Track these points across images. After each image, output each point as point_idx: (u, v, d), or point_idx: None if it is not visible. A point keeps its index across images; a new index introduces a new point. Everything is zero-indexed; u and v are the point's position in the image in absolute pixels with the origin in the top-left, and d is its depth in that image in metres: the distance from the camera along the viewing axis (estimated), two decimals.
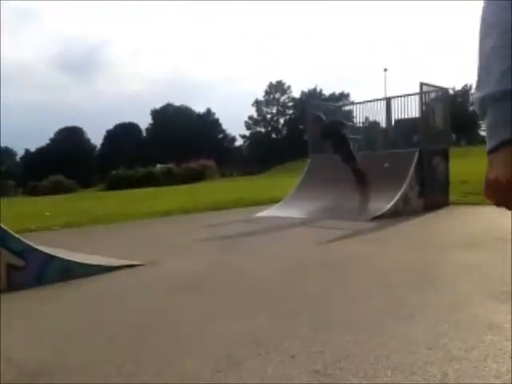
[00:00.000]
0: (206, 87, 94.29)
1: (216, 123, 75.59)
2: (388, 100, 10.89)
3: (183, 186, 27.07)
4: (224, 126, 76.24)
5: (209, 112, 76.56)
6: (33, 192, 41.81)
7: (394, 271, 4.35)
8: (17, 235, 4.71)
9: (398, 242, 6.02)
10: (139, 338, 2.93)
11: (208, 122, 73.72)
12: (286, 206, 10.07)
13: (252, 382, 2.23)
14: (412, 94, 10.18)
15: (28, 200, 25.43)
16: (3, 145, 70.25)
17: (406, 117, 10.47)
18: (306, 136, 14.23)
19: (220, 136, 76.80)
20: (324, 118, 10.22)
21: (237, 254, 5.69)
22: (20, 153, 72.86)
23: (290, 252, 5.72)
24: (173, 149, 61.51)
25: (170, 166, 45.48)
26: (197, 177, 38.61)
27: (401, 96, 10.54)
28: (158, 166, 47.59)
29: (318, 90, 69.04)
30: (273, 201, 11.35)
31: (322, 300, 3.52)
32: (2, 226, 4.59)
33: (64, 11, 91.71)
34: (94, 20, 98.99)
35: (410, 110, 10.30)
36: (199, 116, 74.79)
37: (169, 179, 37.28)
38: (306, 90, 68.98)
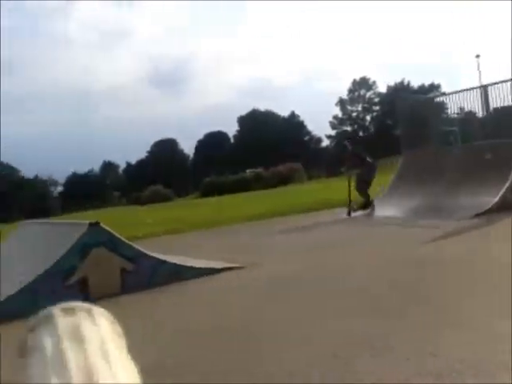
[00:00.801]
0: (288, 91, 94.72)
1: (301, 125, 75.59)
2: (484, 88, 10.20)
3: (272, 190, 27.40)
4: (309, 128, 75.99)
5: (293, 115, 76.75)
6: (135, 201, 44.64)
7: None
8: (128, 242, 5.12)
9: None
10: (245, 339, 3.05)
11: (293, 125, 73.97)
12: (379, 205, 9.82)
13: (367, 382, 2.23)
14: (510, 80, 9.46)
15: (131, 209, 27.23)
16: (107, 159, 75.96)
17: (506, 104, 9.73)
18: (398, 131, 13.80)
19: (306, 138, 76.61)
20: (349, 146, 11.16)
21: (334, 254, 5.68)
22: (122, 166, 78.19)
23: (393, 252, 5.59)
24: (261, 154, 62.54)
25: (259, 170, 46.27)
26: (285, 180, 38.86)
27: (498, 83, 9.83)
28: (248, 171, 48.62)
29: (406, 83, 66.31)
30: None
31: (433, 300, 3.41)
32: (115, 233, 5.02)
33: (149, 28, 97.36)
34: (177, 35, 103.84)
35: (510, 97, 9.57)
36: (284, 119, 75.29)
37: (258, 184, 37.93)
38: (392, 83, 66.64)
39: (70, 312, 0.45)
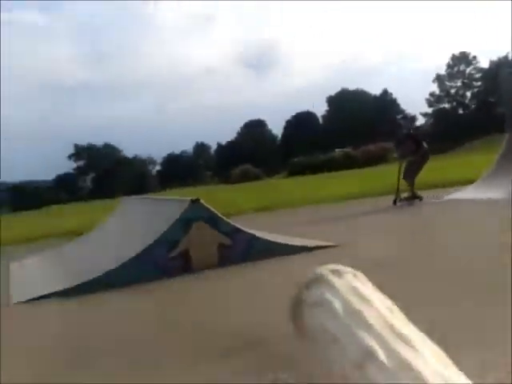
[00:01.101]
0: (379, 69, 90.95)
1: (394, 103, 72.52)
2: None
3: (362, 169, 26.79)
4: (403, 106, 72.68)
5: (385, 93, 73.77)
6: (226, 181, 45.95)
7: None
8: (224, 218, 5.35)
9: None
10: None
11: (385, 103, 71.18)
12: (483, 187, 9.23)
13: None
14: None
15: (223, 188, 28.13)
16: (200, 140, 78.71)
17: None
18: (501, 109, 12.78)
19: (399, 116, 73.38)
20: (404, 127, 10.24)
21: (433, 236, 5.50)
22: (213, 147, 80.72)
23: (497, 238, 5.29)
24: (350, 133, 61.16)
25: (348, 150, 45.39)
26: (376, 160, 37.77)
27: None
28: (337, 151, 47.92)
29: (511, 57, 60.71)
30: (463, 182, 10.51)
31: None
32: (214, 210, 5.27)
33: (236, 13, 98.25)
34: (265, 17, 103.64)
35: None
36: (375, 98, 72.66)
37: (348, 163, 37.24)
38: (495, 58, 61.37)
39: (337, 273, 0.49)
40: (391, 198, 8.90)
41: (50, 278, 5.17)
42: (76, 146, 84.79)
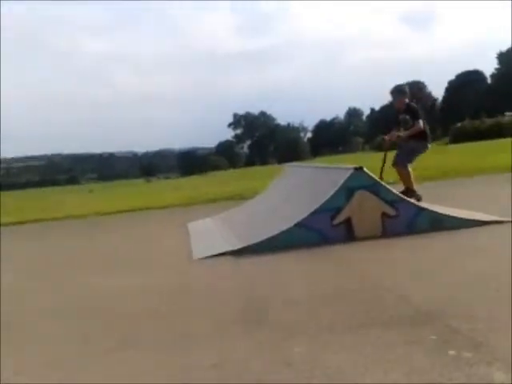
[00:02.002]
0: None
1: None
2: None
3: None
4: None
5: None
6: (378, 148, 44.44)
7: None
8: (388, 186, 5.22)
9: None
10: None
11: None
12: None
13: None
14: None
15: (376, 155, 27.29)
16: (353, 105, 77.09)
17: None
18: None
19: None
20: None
21: None
22: (366, 112, 78.29)
23: None
24: None
25: None
26: None
27: None
28: (507, 114, 42.76)
29: None
30: None
31: None
32: (375, 177, 5.17)
33: None
34: None
35: None
36: None
37: None
38: None
39: None
40: None
41: (223, 238, 5.66)
42: (235, 115, 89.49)
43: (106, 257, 5.74)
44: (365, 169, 5.08)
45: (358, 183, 4.99)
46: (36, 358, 2.73)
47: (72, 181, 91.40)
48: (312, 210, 4.94)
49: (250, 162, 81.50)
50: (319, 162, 14.28)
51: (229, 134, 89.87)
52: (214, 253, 4.96)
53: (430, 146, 6.85)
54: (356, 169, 5.04)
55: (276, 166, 43.12)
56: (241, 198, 10.59)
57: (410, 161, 6.69)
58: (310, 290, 3.51)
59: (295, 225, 4.91)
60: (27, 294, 4.33)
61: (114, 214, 10.89)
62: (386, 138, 6.86)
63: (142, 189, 27.18)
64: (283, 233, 4.88)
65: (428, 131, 6.94)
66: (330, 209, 4.94)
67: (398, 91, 6.87)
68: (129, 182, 50.20)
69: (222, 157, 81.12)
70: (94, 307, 3.62)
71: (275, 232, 4.92)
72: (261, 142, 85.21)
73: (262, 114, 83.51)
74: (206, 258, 4.85)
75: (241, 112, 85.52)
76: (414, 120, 6.61)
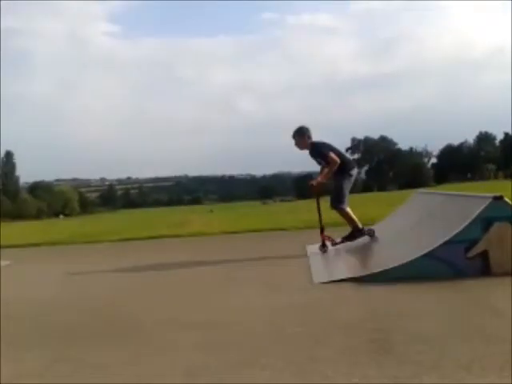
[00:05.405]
0: None
1: None
2: None
3: None
4: None
5: None
6: None
7: None
8: None
9: None
10: None
11: None
12: None
13: None
14: None
15: (510, 184, 24.98)
16: (484, 129, 71.78)
17: None
18: None
19: None
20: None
21: None
22: (499, 137, 72.37)
23: None
24: None
25: None
26: None
27: None
28: None
29: None
30: None
31: None
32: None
33: None
34: None
35: None
36: None
37: None
38: None
39: None
40: None
41: (344, 264, 5.54)
42: (353, 140, 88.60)
43: (225, 276, 5.92)
44: (505, 198, 4.64)
45: (496, 214, 4.57)
46: (172, 365, 2.88)
47: (196, 201, 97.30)
48: (444, 240, 4.62)
49: (366, 187, 79.61)
50: (445, 190, 13.41)
51: None
52: (335, 278, 4.86)
53: (354, 173, 6.62)
54: (495, 198, 4.62)
55: (395, 193, 41.59)
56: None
57: (342, 200, 6.48)
58: (440, 325, 3.26)
59: (425, 255, 4.63)
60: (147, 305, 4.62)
61: (232, 234, 11.31)
62: (313, 183, 6.58)
63: (258, 210, 27.92)
64: (411, 263, 4.62)
65: (346, 159, 6.72)
66: (465, 240, 4.58)
67: (296, 133, 6.64)
68: (246, 204, 51.97)
69: None
70: (222, 322, 3.74)
71: (402, 261, 4.68)
72: (379, 167, 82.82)
73: (382, 138, 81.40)
74: (326, 283, 4.77)
75: (359, 137, 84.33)
76: (324, 158, 6.36)
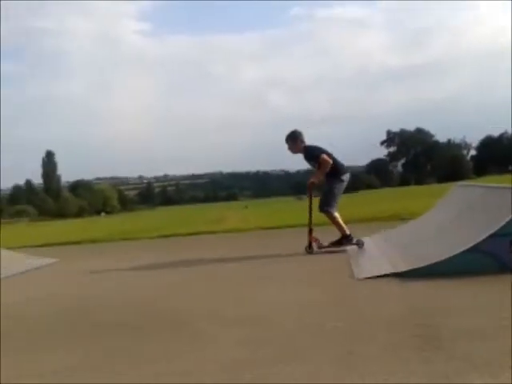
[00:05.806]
0: None
1: None
2: None
3: None
4: None
5: None
6: None
7: None
8: None
9: None
10: None
11: None
12: None
13: None
14: None
15: None
16: None
17: None
18: None
19: None
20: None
21: None
22: None
23: None
24: None
25: None
26: None
27: None
28: None
29: None
30: None
31: None
32: None
33: None
34: None
35: None
36: None
37: None
38: None
39: None
40: None
41: (386, 259, 5.49)
42: (388, 133, 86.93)
43: (263, 271, 5.98)
44: None
45: None
46: (213, 360, 2.95)
47: (231, 197, 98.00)
48: (488, 233, 4.52)
49: (404, 181, 77.98)
50: (486, 182, 13.08)
51: (381, 152, 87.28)
52: (378, 273, 4.83)
53: (345, 178, 6.58)
54: None
55: (434, 186, 40.57)
56: (398, 218, 10.19)
57: (331, 204, 6.47)
58: (488, 320, 3.21)
59: (469, 249, 4.54)
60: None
61: (267, 229, 11.35)
62: (309, 183, 6.63)
63: (293, 206, 27.90)
64: (455, 257, 4.55)
65: (339, 163, 6.58)
66: (510, 233, 4.47)
67: (289, 137, 6.67)
68: (280, 200, 51.86)
69: (374, 175, 79.08)
70: (261, 317, 3.80)
71: (446, 255, 4.61)
72: (416, 159, 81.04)
73: (419, 130, 79.58)
74: (369, 279, 4.76)
75: (395, 129, 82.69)
76: (316, 160, 6.41)
